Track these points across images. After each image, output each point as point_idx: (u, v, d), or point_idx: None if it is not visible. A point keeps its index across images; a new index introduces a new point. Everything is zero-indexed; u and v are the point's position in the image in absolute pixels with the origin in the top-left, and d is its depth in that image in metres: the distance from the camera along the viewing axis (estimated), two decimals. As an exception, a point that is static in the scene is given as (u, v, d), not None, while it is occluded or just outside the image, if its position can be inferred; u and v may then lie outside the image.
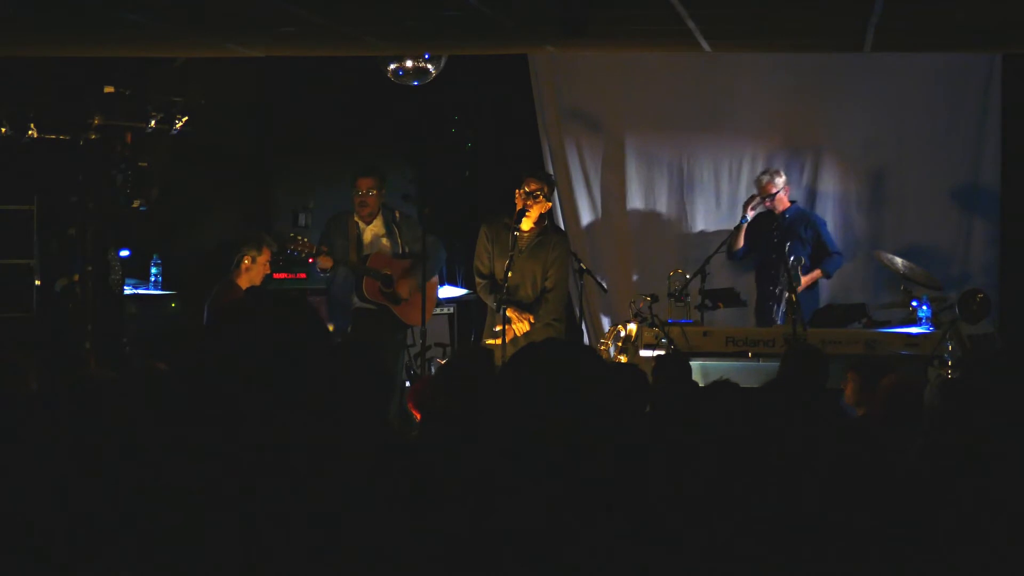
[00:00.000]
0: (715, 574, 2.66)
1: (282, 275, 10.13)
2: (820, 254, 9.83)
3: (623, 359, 8.63)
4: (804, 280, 9.44)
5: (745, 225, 9.88)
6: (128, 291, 10.00)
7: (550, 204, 8.72)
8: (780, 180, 9.88)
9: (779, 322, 9.31)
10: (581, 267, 9.13)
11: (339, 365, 2.49)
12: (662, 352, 8.44)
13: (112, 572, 2.35)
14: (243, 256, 8.60)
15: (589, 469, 2.56)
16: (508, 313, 8.35)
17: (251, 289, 8.52)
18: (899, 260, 9.32)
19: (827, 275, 9.91)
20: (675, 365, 6.57)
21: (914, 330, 8.78)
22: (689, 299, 9.22)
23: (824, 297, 10.07)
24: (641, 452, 2.83)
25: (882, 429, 5.49)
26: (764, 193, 9.86)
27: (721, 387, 3.11)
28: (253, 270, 8.62)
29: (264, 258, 8.66)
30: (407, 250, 9.12)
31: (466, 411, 4.33)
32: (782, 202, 9.89)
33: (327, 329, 2.52)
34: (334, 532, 2.37)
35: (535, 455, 2.55)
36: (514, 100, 11.05)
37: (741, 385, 4.13)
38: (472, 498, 2.55)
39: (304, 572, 2.33)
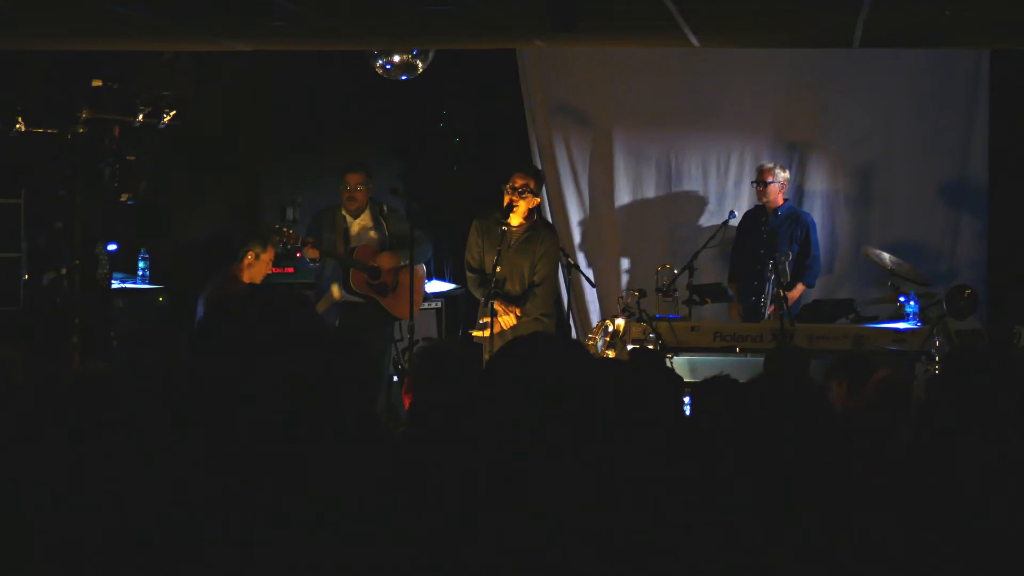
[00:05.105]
0: (718, 569, 2.67)
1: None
2: (803, 255, 9.82)
3: (611, 354, 8.63)
4: (790, 296, 9.38)
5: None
6: (115, 285, 9.98)
7: (539, 200, 8.70)
8: (782, 175, 9.88)
9: (766, 317, 9.32)
10: (569, 262, 9.14)
11: (333, 360, 2.49)
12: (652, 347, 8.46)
13: (112, 572, 2.35)
14: (248, 251, 8.57)
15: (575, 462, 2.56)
16: (495, 306, 8.36)
17: (250, 286, 8.48)
18: (887, 256, 9.33)
19: (810, 286, 9.94)
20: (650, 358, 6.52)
21: (902, 326, 8.80)
22: (677, 294, 9.22)
23: (812, 293, 10.09)
24: (639, 447, 2.84)
25: (872, 420, 5.49)
26: (760, 179, 9.86)
27: (719, 382, 3.11)
28: (255, 267, 8.59)
29: (268, 256, 8.63)
30: (394, 243, 9.13)
31: (451, 402, 4.32)
32: (777, 199, 9.89)
33: (323, 323, 2.52)
34: (326, 527, 2.37)
35: (523, 447, 2.56)
36: (502, 95, 11.05)
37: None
38: (461, 491, 2.56)
39: (299, 569, 2.33)
